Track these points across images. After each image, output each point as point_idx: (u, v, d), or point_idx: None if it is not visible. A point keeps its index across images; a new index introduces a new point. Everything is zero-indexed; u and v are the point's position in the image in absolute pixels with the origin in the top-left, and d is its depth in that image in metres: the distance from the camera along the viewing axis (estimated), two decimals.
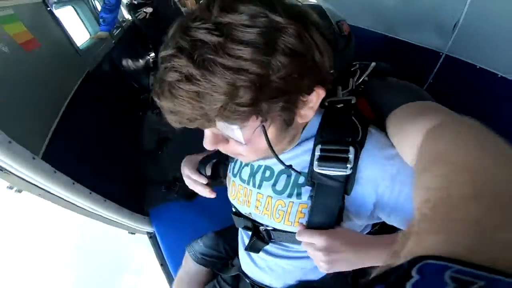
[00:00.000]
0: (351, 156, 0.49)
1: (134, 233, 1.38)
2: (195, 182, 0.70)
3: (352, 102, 0.55)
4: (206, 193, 0.69)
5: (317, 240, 0.51)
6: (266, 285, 0.71)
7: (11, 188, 0.92)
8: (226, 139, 0.48)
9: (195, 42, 0.35)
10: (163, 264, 1.29)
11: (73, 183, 1.07)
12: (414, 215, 0.24)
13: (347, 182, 0.51)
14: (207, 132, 0.47)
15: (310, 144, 0.54)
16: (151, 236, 1.39)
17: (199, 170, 0.70)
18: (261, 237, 0.66)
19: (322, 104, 0.50)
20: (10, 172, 0.90)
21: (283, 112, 0.43)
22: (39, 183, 0.98)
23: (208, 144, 0.47)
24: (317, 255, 0.52)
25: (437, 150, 0.31)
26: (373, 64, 0.66)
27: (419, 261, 0.15)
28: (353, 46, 0.76)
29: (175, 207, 1.46)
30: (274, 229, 0.62)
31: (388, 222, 0.55)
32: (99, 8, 2.63)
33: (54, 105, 1.26)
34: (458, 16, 1.24)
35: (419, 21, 1.49)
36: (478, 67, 1.22)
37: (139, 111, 2.24)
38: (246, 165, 0.66)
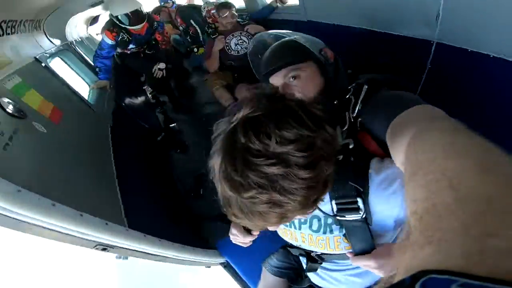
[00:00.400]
0: (360, 205, 0.63)
1: (210, 266, 1.49)
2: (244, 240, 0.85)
3: (350, 146, 0.65)
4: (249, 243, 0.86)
5: (369, 263, 0.66)
6: None
7: (120, 257, 1.01)
8: None
9: (270, 177, 0.44)
10: (245, 287, 1.42)
11: (160, 240, 1.16)
12: (407, 228, 0.24)
13: (366, 219, 0.65)
14: None
15: (327, 197, 0.66)
16: (225, 266, 1.50)
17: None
18: (315, 260, 0.82)
19: None
20: (116, 247, 0.98)
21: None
22: (136, 247, 1.06)
23: (274, 228, 0.62)
24: (375, 271, 0.67)
25: (417, 160, 0.31)
26: (364, 87, 0.71)
27: (421, 276, 0.15)
28: (342, 70, 0.84)
29: None
30: (322, 253, 0.78)
31: None
32: (83, 54, 2.58)
33: (106, 174, 1.32)
34: (438, 3, 1.36)
35: (403, 13, 1.62)
36: (469, 50, 1.40)
37: (163, 152, 2.27)
38: None
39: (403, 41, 1.70)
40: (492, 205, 0.19)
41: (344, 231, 0.69)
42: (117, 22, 2.32)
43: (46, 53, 1.82)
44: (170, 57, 2.78)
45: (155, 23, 2.61)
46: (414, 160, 0.32)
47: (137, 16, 2.32)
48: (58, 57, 2.21)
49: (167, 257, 1.21)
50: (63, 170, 1.04)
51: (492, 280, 0.14)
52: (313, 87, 0.78)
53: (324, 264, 0.83)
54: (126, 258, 1.03)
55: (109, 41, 2.33)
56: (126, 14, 2.28)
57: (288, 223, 0.79)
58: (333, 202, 0.65)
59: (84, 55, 2.65)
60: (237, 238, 0.85)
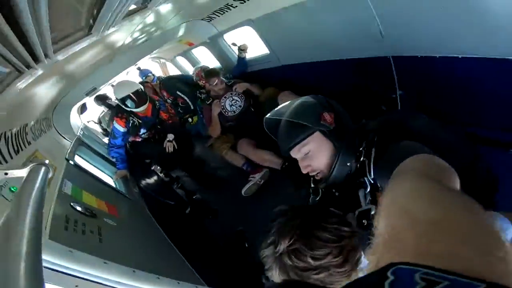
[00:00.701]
0: None
1: None
2: None
3: (372, 213, 0.76)
4: None
5: None
6: None
7: None
8: None
9: (320, 279, 0.61)
10: None
11: None
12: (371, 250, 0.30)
13: None
14: None
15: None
16: None
17: None
18: None
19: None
20: None
21: None
22: None
23: None
24: None
25: (385, 203, 0.39)
26: (373, 150, 0.80)
27: (392, 266, 0.20)
28: (348, 126, 0.87)
29: None
30: None
31: None
32: (90, 145, 2.63)
33: (169, 250, 1.43)
34: (375, 23, 1.63)
35: (353, 38, 1.91)
36: (419, 56, 1.65)
37: (196, 221, 2.36)
38: None
39: (366, 63, 1.99)
40: (437, 224, 0.27)
41: None
42: (124, 107, 2.42)
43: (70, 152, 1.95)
44: (177, 129, 2.86)
45: (156, 102, 2.71)
46: (384, 204, 0.40)
47: (140, 97, 2.41)
48: (75, 153, 2.26)
49: None
50: (145, 252, 1.16)
51: (448, 272, 0.18)
52: (324, 155, 0.86)
53: None
54: None
55: (121, 129, 2.40)
56: (131, 98, 2.37)
57: None
58: None
59: (90, 145, 2.74)
60: None
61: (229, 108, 2.58)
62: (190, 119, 3.24)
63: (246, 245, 1.91)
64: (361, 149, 0.82)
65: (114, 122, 2.45)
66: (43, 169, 0.77)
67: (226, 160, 2.50)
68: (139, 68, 4.09)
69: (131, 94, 2.37)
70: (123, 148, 2.47)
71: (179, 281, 1.00)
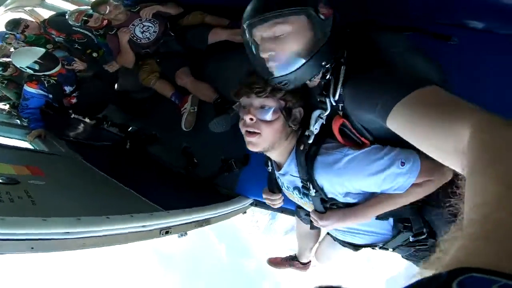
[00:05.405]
0: (311, 187, 0.89)
1: (246, 212, 1.90)
2: (273, 200, 1.20)
3: (309, 141, 0.85)
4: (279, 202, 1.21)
5: (315, 218, 0.98)
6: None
7: (180, 235, 1.34)
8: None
9: None
10: (283, 211, 1.84)
11: (196, 208, 1.50)
12: (462, 220, 0.27)
13: (320, 193, 0.91)
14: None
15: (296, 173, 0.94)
16: (256, 204, 1.93)
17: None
18: None
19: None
20: (171, 227, 1.30)
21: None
22: (183, 220, 1.39)
23: None
24: (319, 225, 1.00)
25: (490, 154, 0.34)
26: (343, 68, 0.75)
27: (460, 274, 0.16)
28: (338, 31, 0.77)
29: (247, 176, 1.97)
30: None
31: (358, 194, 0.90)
32: None
33: (120, 190, 1.56)
34: None
35: None
36: None
37: (141, 152, 2.52)
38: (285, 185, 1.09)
39: None
40: None
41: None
42: (34, 73, 2.42)
43: None
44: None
45: (64, 62, 2.65)
46: (486, 154, 0.34)
47: (49, 59, 2.40)
48: None
49: (210, 218, 1.56)
50: (89, 199, 1.28)
51: None
52: (299, 42, 0.76)
53: None
54: (186, 234, 1.36)
55: (33, 90, 2.45)
56: (38, 63, 2.35)
57: (288, 190, 1.10)
58: (299, 180, 0.94)
59: None
60: (270, 200, 1.22)
61: (141, 35, 2.35)
62: (95, 54, 3.04)
63: (195, 160, 2.17)
64: (328, 66, 0.77)
65: (25, 86, 2.50)
66: None
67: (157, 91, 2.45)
68: None
69: (38, 60, 2.36)
70: (37, 109, 2.51)
71: (132, 214, 1.17)
